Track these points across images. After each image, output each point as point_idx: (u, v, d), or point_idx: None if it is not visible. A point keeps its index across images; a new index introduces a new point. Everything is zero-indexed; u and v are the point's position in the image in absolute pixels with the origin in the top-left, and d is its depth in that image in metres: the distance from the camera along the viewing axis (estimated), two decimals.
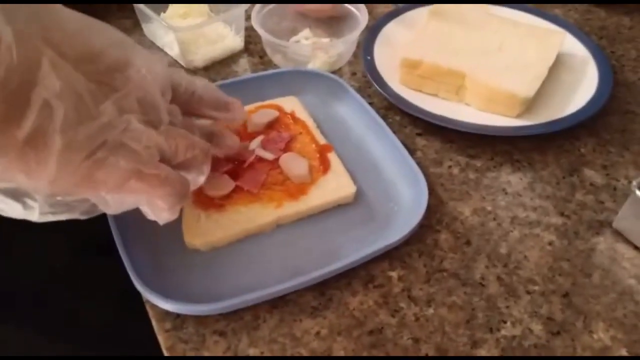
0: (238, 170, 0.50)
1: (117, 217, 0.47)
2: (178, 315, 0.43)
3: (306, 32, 0.70)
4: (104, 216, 0.47)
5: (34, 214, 0.32)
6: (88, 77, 0.31)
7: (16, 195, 0.31)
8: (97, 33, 0.34)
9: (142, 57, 0.34)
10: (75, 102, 0.29)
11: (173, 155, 0.34)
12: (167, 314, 0.43)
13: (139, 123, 0.32)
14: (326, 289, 0.45)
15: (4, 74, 0.27)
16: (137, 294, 0.44)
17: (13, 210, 0.32)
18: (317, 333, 0.43)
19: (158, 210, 0.35)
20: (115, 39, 0.34)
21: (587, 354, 0.42)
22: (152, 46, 0.71)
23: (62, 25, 0.31)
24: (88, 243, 0.58)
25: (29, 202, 0.31)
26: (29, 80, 0.28)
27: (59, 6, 0.32)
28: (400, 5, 0.72)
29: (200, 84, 0.40)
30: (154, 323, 0.43)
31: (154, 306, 0.43)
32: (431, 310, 0.44)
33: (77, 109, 0.29)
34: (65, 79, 0.29)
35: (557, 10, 0.78)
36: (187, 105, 0.39)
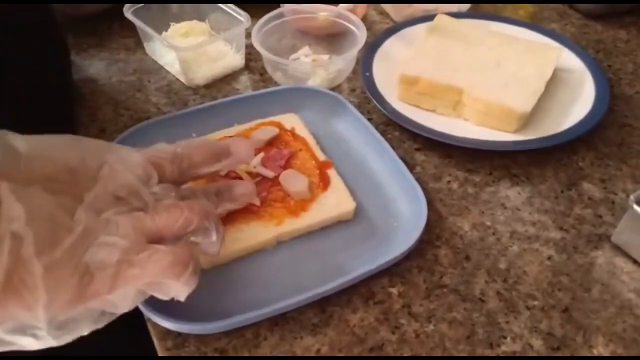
0: None
1: None
2: (179, 334, 0.43)
3: (306, 49, 0.71)
4: None
5: (49, 340, 0.31)
6: (60, 193, 0.31)
7: (23, 330, 0.30)
8: (73, 149, 0.34)
9: (116, 154, 0.35)
10: (45, 223, 0.29)
11: (164, 230, 0.34)
12: (168, 332, 0.43)
13: (119, 215, 0.32)
14: (327, 306, 0.45)
15: None
16: (139, 313, 0.44)
17: (29, 344, 0.31)
18: (318, 350, 0.43)
19: (169, 287, 0.34)
20: (92, 149, 0.35)
21: None
22: (154, 65, 0.72)
23: (12, 158, 0.31)
24: None
25: (38, 332, 0.31)
26: None
27: (12, 136, 0.32)
28: (398, 21, 0.73)
29: (186, 148, 0.39)
30: (155, 341, 0.44)
31: (155, 324, 0.44)
32: (431, 327, 0.44)
33: (49, 229, 0.29)
34: (29, 204, 0.29)
35: (554, 24, 0.79)
36: (183, 176, 0.39)
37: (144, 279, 0.32)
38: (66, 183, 0.32)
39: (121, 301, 0.32)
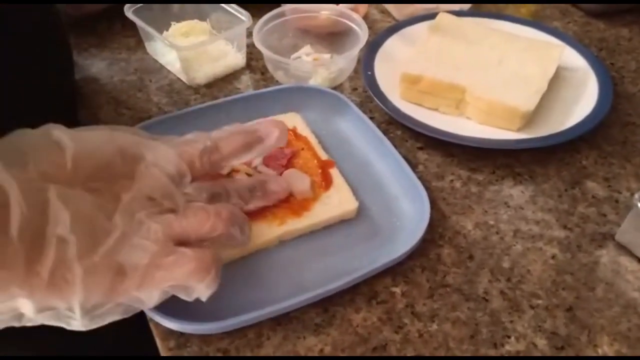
0: None
1: None
2: (182, 334, 0.43)
3: (307, 48, 0.71)
4: None
5: (79, 327, 0.34)
6: (99, 193, 0.33)
7: (58, 317, 0.33)
8: (111, 143, 0.36)
9: (152, 152, 0.36)
10: (87, 228, 0.32)
11: (191, 233, 0.36)
12: (170, 332, 0.43)
13: (151, 217, 0.34)
14: (329, 306, 0.45)
15: (18, 225, 0.30)
16: (141, 312, 0.44)
17: (61, 326, 0.34)
18: (321, 350, 0.43)
19: (192, 290, 0.36)
20: (128, 143, 0.36)
21: None
22: (155, 64, 0.72)
23: (59, 155, 0.33)
24: None
25: (71, 321, 0.33)
26: (41, 221, 0.31)
27: (58, 132, 0.34)
28: (400, 20, 0.73)
29: (216, 140, 0.39)
30: (157, 342, 0.44)
31: (157, 325, 0.43)
32: (435, 326, 0.44)
33: (90, 234, 0.32)
34: (74, 209, 0.32)
35: (556, 23, 0.78)
36: (214, 169, 0.40)
37: (170, 282, 0.34)
38: (105, 180, 0.34)
39: (147, 298, 0.34)
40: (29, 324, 0.33)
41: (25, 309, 0.32)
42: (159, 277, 0.34)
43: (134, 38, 0.75)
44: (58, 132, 0.34)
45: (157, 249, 0.34)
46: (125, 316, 0.35)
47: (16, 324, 0.33)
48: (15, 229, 0.30)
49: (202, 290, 0.36)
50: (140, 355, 0.57)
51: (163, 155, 0.37)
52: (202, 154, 0.38)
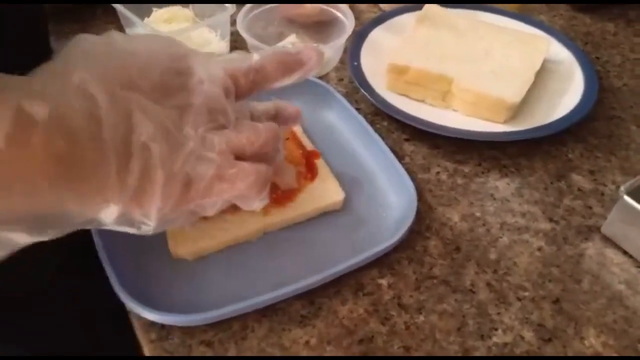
0: None
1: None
2: (163, 326, 0.42)
3: (292, 37, 0.69)
4: None
5: (149, 231, 0.35)
6: (164, 106, 0.34)
7: (132, 222, 0.34)
8: (162, 52, 0.36)
9: (200, 64, 0.37)
10: (166, 138, 0.33)
11: (246, 148, 0.37)
12: (152, 324, 0.42)
13: (210, 131, 0.35)
14: (315, 298, 0.44)
15: (112, 134, 0.31)
16: (122, 305, 0.43)
17: (130, 231, 0.35)
18: (307, 342, 0.42)
19: (248, 202, 0.37)
20: (177, 53, 0.37)
21: None
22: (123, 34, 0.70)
23: (131, 65, 0.34)
24: (71, 253, 0.56)
25: (144, 227, 0.34)
26: (126, 129, 0.32)
27: (122, 41, 0.36)
28: (386, 10, 0.72)
29: (258, 58, 0.40)
30: (138, 334, 0.42)
31: (138, 317, 0.42)
32: (422, 318, 0.43)
33: (168, 143, 0.33)
34: (154, 119, 0.33)
35: (543, 16, 0.78)
36: (255, 89, 0.40)
37: (232, 193, 0.35)
38: (162, 93, 0.35)
39: (211, 207, 0.36)
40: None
41: (108, 215, 0.33)
42: (222, 189, 0.35)
43: (114, 25, 0.73)
44: (121, 39, 0.35)
45: (221, 160, 0.35)
46: (191, 222, 0.37)
47: (88, 226, 0.34)
48: (108, 136, 0.31)
49: (255, 204, 0.37)
50: (126, 356, 0.55)
51: (214, 71, 0.37)
52: (247, 72, 0.39)
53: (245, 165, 0.36)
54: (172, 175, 0.33)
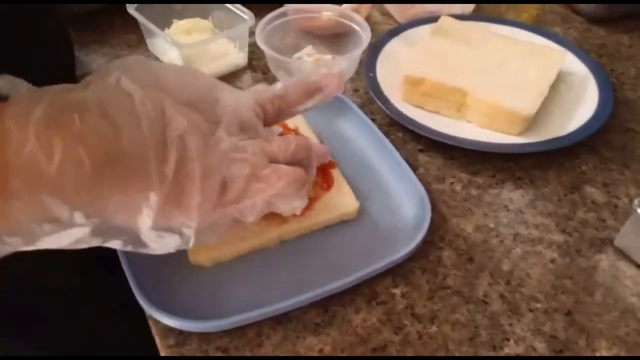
0: None
1: None
2: (181, 332, 0.43)
3: (309, 48, 0.71)
4: None
5: (190, 241, 0.36)
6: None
7: (172, 229, 0.35)
8: (191, 82, 0.38)
9: (229, 92, 0.39)
10: (200, 134, 0.34)
11: (279, 155, 0.38)
12: (170, 330, 0.43)
13: (242, 140, 0.37)
14: (329, 306, 0.45)
15: (148, 125, 0.32)
16: (140, 310, 0.44)
17: (167, 245, 0.36)
18: (321, 350, 0.43)
19: (287, 202, 0.38)
20: (204, 84, 0.39)
21: None
22: (156, 61, 0.71)
23: (165, 78, 0.36)
24: (91, 258, 0.57)
25: (185, 230, 0.35)
26: (162, 124, 0.33)
27: (157, 63, 0.39)
28: (401, 22, 0.73)
29: (281, 86, 0.42)
30: (157, 339, 0.43)
31: (157, 322, 0.43)
32: (434, 328, 0.44)
33: (203, 139, 0.34)
34: (187, 117, 0.34)
35: (557, 28, 0.79)
36: (280, 116, 0.43)
37: (269, 192, 0.36)
38: (193, 108, 0.36)
39: (250, 211, 0.36)
40: (141, 250, 0.36)
41: (145, 220, 0.33)
42: (258, 188, 0.36)
43: (135, 35, 0.74)
44: (156, 64, 0.38)
45: (256, 161, 0.36)
46: (231, 231, 0.38)
47: (129, 248, 0.35)
48: (147, 129, 0.32)
49: (295, 203, 0.39)
50: (140, 355, 0.56)
51: (243, 98, 0.39)
52: (272, 99, 0.41)
53: (280, 166, 0.37)
54: (209, 169, 0.34)
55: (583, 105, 0.62)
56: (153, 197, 0.32)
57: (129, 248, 0.35)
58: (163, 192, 0.32)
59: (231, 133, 0.36)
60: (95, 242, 0.34)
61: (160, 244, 0.36)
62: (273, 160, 0.38)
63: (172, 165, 0.32)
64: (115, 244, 0.35)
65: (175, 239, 0.35)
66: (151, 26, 0.67)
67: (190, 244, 0.36)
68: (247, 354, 0.42)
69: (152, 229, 0.34)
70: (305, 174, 0.39)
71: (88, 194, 0.31)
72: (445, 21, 0.70)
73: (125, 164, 0.31)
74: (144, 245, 0.35)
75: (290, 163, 0.39)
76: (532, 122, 0.59)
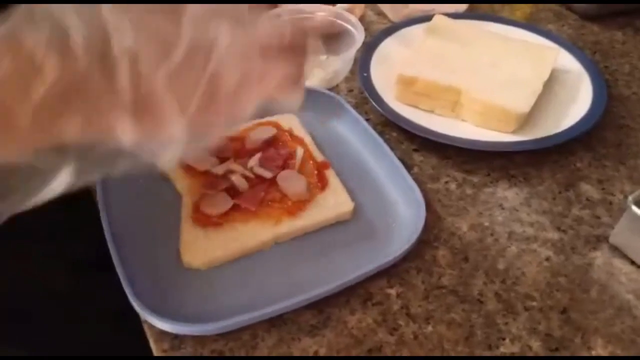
0: (236, 188, 0.51)
1: (114, 235, 0.47)
2: (176, 335, 0.43)
3: None
4: (101, 235, 0.47)
5: (178, 146, 0.32)
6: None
7: (164, 147, 0.31)
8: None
9: None
10: (153, 35, 0.30)
11: (273, 39, 0.34)
12: (164, 334, 0.43)
13: (228, 25, 0.32)
14: (324, 307, 0.45)
15: (82, 46, 0.28)
16: (135, 314, 0.44)
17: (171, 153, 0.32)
18: (316, 352, 0.42)
19: (285, 95, 0.35)
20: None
21: None
22: None
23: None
24: (85, 262, 0.57)
25: (174, 131, 0.31)
26: (103, 39, 0.28)
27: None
28: (396, 22, 0.73)
29: None
30: (151, 343, 0.43)
31: (151, 326, 0.43)
32: (430, 328, 0.44)
33: (158, 41, 0.30)
34: (133, 18, 0.29)
35: (551, 26, 0.79)
36: None
37: (267, 88, 0.33)
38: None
39: (242, 113, 0.33)
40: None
41: (124, 135, 0.30)
42: (251, 88, 0.33)
43: None
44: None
45: (246, 56, 0.32)
46: (226, 134, 0.35)
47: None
48: (80, 50, 0.28)
49: (295, 97, 0.35)
50: (136, 357, 0.56)
51: None
52: None
53: (274, 59, 0.33)
54: (173, 73, 0.30)
55: (577, 102, 0.62)
56: (119, 113, 0.29)
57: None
58: (129, 112, 0.29)
59: (205, 21, 0.31)
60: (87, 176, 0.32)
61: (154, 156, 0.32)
62: (264, 49, 0.33)
63: (125, 81, 0.29)
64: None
65: (167, 151, 0.32)
66: None
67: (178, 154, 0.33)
68: (242, 356, 0.42)
69: (135, 144, 0.31)
70: (299, 66, 0.34)
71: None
72: (439, 20, 0.70)
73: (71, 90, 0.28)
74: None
75: (285, 51, 0.34)
76: (526, 120, 0.59)
